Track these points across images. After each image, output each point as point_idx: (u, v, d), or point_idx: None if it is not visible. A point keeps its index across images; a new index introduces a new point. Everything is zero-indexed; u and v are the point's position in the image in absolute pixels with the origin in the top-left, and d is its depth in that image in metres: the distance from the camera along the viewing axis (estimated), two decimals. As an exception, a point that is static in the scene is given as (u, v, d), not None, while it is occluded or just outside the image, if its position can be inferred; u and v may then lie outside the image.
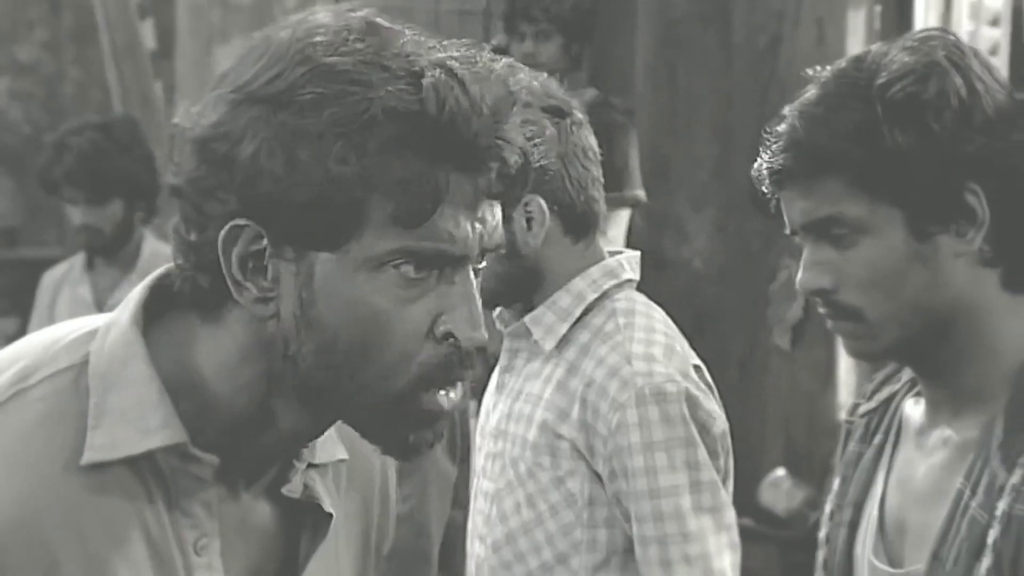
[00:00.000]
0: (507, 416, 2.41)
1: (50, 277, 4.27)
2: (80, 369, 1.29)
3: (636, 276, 2.43)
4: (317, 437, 1.35)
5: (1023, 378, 1.64)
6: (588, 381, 2.30)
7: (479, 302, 1.28)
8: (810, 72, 1.73)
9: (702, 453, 2.27)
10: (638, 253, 2.47)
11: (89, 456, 1.26)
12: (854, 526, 1.76)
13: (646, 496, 2.27)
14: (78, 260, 4.20)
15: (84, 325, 1.33)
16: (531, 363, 2.41)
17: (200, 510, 1.30)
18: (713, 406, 2.31)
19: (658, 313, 2.39)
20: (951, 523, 1.63)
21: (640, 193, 4.79)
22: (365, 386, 1.27)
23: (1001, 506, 1.58)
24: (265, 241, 1.25)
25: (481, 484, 2.45)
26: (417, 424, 1.29)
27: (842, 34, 5.01)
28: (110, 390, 1.28)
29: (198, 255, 1.27)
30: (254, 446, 1.32)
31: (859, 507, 1.76)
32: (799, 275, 1.71)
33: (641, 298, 2.41)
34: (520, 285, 2.39)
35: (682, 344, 2.36)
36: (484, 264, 1.29)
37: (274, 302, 1.26)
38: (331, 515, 1.37)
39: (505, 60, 1.34)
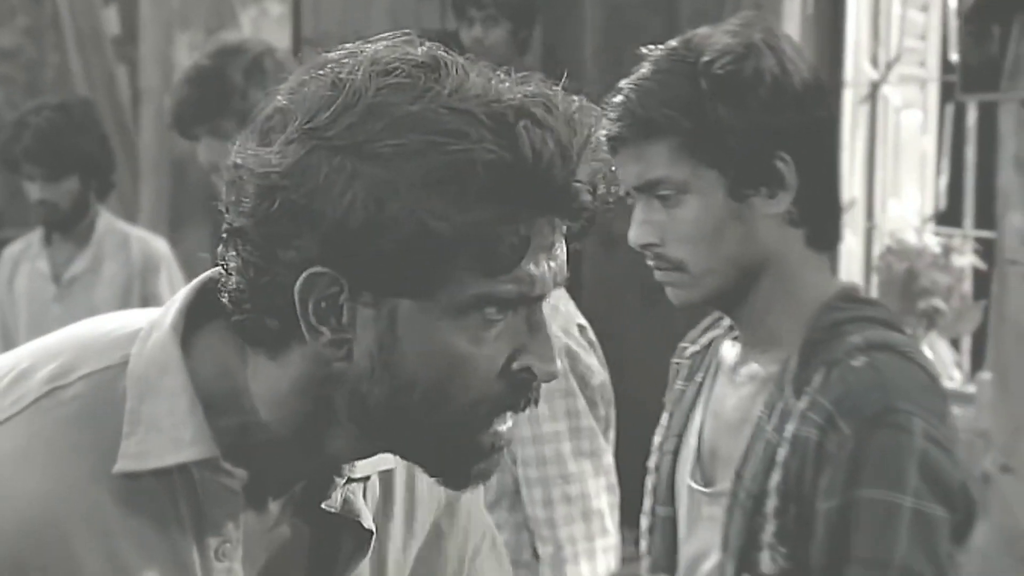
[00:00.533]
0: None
1: (9, 252, 4.50)
2: (119, 371, 1.26)
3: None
4: (361, 459, 1.32)
5: (816, 322, 1.86)
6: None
7: (552, 335, 1.27)
8: (644, 51, 1.95)
9: (581, 403, 2.50)
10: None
11: (122, 465, 1.23)
12: (676, 454, 1.98)
13: (530, 442, 2.49)
14: (36, 236, 4.43)
15: (128, 323, 1.30)
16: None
17: (226, 519, 1.27)
18: (593, 361, 2.53)
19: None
20: (751, 446, 1.86)
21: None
22: (436, 425, 1.24)
23: (790, 428, 1.81)
24: (345, 287, 1.21)
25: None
26: (480, 457, 1.26)
27: (778, 18, 5.23)
28: (146, 397, 1.25)
29: (265, 297, 1.23)
30: (291, 466, 1.29)
31: (680, 437, 1.99)
32: (631, 231, 1.93)
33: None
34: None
35: (567, 305, 2.58)
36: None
37: (347, 344, 1.23)
38: (372, 532, 1.34)
39: (577, 99, 1.28)
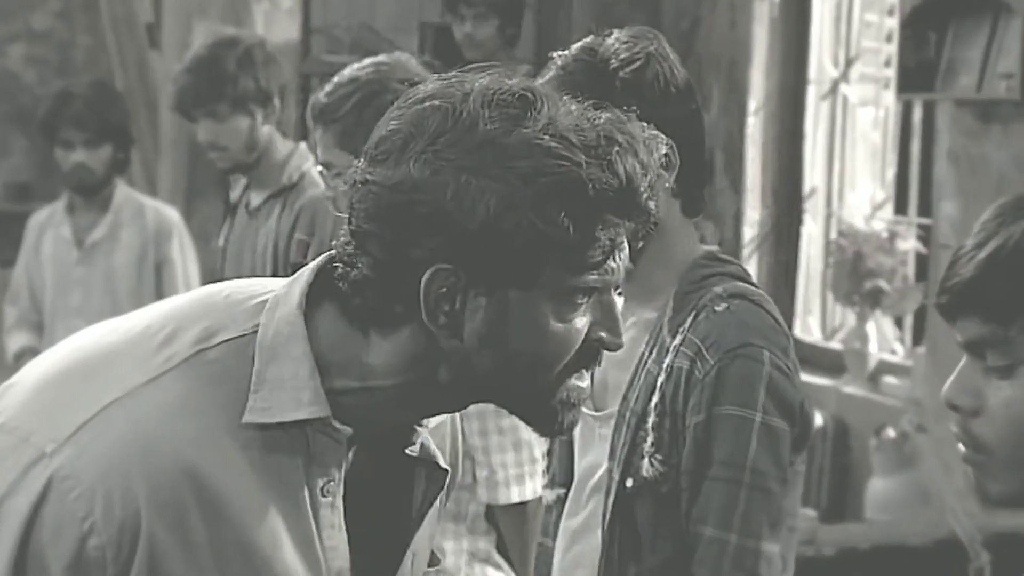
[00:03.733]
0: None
1: (36, 219, 4.88)
2: (250, 338, 1.44)
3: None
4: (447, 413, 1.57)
5: (687, 276, 2.28)
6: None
7: (620, 313, 1.51)
8: (553, 55, 2.37)
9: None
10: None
11: (248, 417, 1.41)
12: None
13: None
14: (60, 205, 4.82)
15: (259, 291, 1.49)
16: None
17: (331, 466, 1.47)
18: None
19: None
20: (635, 376, 2.28)
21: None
22: (533, 387, 1.48)
23: (667, 361, 2.23)
24: (463, 280, 1.42)
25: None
26: (568, 407, 1.51)
27: (749, 19, 5.64)
28: (272, 362, 1.43)
29: (392, 287, 1.42)
30: (390, 422, 1.51)
31: None
32: None
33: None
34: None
35: None
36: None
37: (459, 326, 1.43)
38: (447, 471, 1.56)
39: (643, 125, 1.54)
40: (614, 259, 1.46)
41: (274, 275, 3.68)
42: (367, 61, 3.15)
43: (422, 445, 1.54)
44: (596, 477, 2.33)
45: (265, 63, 3.80)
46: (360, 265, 1.43)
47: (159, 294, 4.63)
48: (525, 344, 1.45)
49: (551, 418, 1.51)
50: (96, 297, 4.65)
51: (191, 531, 1.38)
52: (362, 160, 1.45)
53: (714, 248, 2.37)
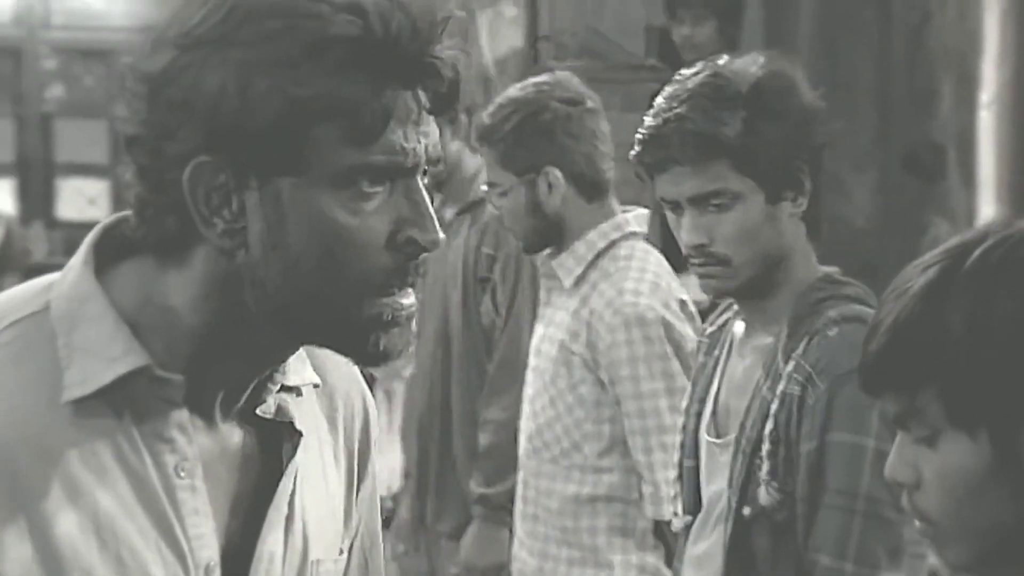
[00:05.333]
0: (542, 338, 3.11)
1: None
2: (43, 315, 1.31)
3: (641, 229, 3.09)
4: (285, 359, 1.36)
5: (802, 300, 2.26)
6: (592, 310, 2.99)
7: (431, 207, 1.31)
8: (678, 77, 2.36)
9: (675, 365, 2.93)
10: (647, 211, 3.14)
11: (68, 394, 1.28)
12: (699, 415, 2.40)
13: (632, 397, 2.94)
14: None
15: (41, 280, 1.36)
16: (559, 297, 3.10)
17: (177, 434, 1.31)
18: (688, 331, 2.95)
19: (653, 258, 3.05)
20: (751, 403, 2.27)
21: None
22: (330, 299, 1.28)
23: (780, 387, 2.21)
24: (229, 174, 1.26)
25: (526, 390, 3.17)
26: (383, 328, 1.30)
27: (979, 10, 5.47)
28: (74, 329, 1.30)
29: (160, 198, 1.28)
30: (224, 369, 1.33)
31: (702, 401, 2.40)
32: (683, 235, 2.32)
33: (642, 246, 3.07)
34: (548, 236, 3.10)
35: (669, 281, 3.02)
36: (427, 179, 1.32)
37: (241, 233, 1.27)
38: (302, 432, 1.38)
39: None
40: (407, 137, 1.28)
41: (463, 289, 3.77)
42: (530, 80, 3.20)
43: (279, 408, 1.38)
44: (721, 504, 2.33)
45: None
46: (133, 181, 1.30)
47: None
48: (309, 243, 1.27)
49: (362, 340, 1.30)
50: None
51: (8, 526, 1.25)
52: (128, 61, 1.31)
53: (832, 270, 2.34)
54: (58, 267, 1.36)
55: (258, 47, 1.24)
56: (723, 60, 2.36)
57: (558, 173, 3.05)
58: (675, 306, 2.98)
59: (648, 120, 2.31)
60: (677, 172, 2.28)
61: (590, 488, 3.01)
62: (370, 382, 4.61)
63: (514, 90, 3.17)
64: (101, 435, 1.28)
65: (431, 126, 1.30)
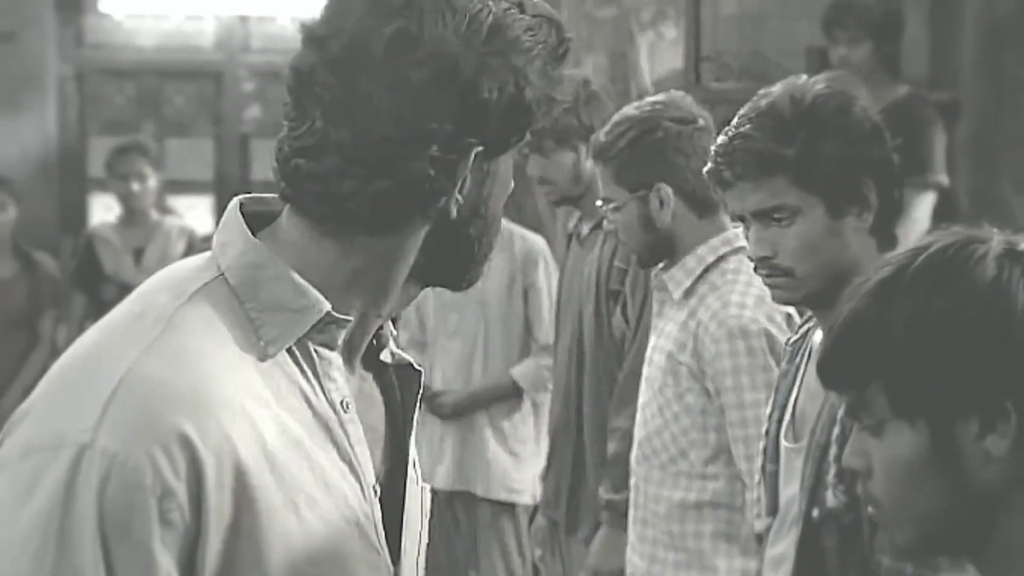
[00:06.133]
0: (653, 348, 3.23)
1: None
2: (218, 283, 1.45)
3: (750, 244, 3.19)
4: (397, 310, 1.55)
5: None
6: (699, 321, 3.09)
7: None
8: (755, 97, 2.47)
9: (777, 376, 3.01)
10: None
11: (271, 349, 1.43)
12: (780, 421, 2.49)
13: (735, 407, 3.04)
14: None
15: (186, 263, 1.52)
16: (669, 309, 3.21)
17: (338, 374, 1.48)
18: None
19: (760, 272, 3.15)
20: (822, 408, 2.35)
21: (942, 178, 5.37)
22: (488, 246, 1.54)
23: None
24: (481, 156, 1.47)
25: (639, 398, 3.28)
26: (483, 263, 1.56)
27: None
28: (257, 292, 1.45)
29: (387, 174, 1.44)
30: (364, 317, 1.51)
31: (783, 407, 2.49)
32: (749, 247, 2.45)
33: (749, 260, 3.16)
34: (659, 250, 3.21)
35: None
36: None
37: (461, 199, 1.47)
38: (420, 371, 1.59)
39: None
40: None
41: (596, 301, 3.89)
42: (645, 100, 3.32)
43: (392, 352, 1.58)
44: (794, 508, 2.42)
45: (587, 100, 4.01)
46: (328, 155, 1.43)
47: (526, 318, 4.91)
48: (499, 203, 1.52)
49: (471, 272, 1.55)
50: (470, 320, 4.96)
51: (249, 459, 1.38)
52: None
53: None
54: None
55: (528, 57, 1.46)
56: (798, 81, 2.46)
57: (669, 190, 3.17)
58: (779, 319, 3.07)
59: (719, 138, 2.42)
60: (741, 188, 2.39)
61: (696, 494, 3.11)
62: (518, 394, 4.78)
63: (629, 109, 3.29)
64: (290, 379, 1.45)
65: None
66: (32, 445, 1.37)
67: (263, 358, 1.43)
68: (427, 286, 1.55)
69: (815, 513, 2.33)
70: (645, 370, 3.26)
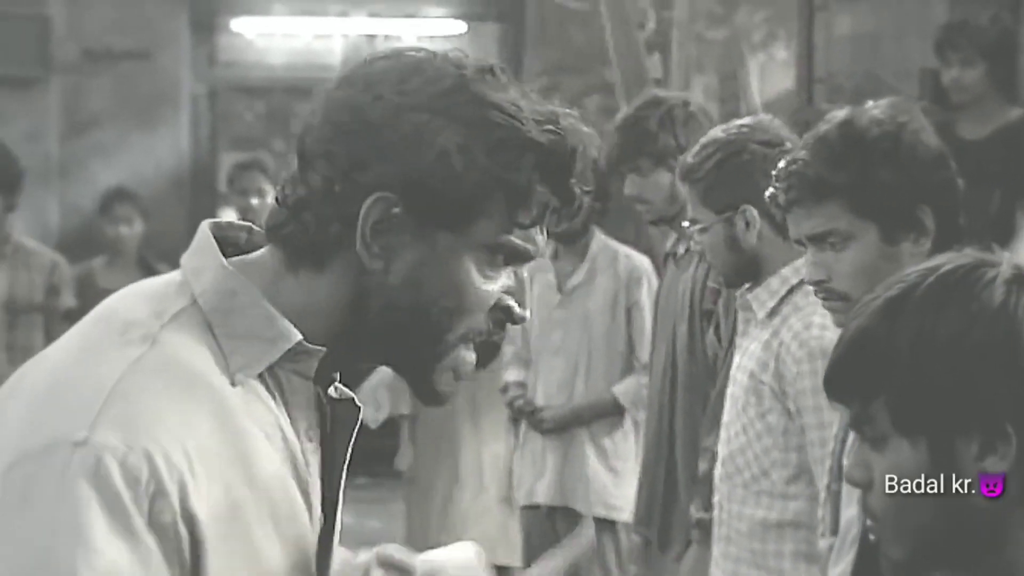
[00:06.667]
0: (737, 367, 3.26)
1: (528, 265, 5.31)
2: (193, 309, 1.47)
3: (836, 266, 3.20)
4: (368, 365, 1.62)
5: None
6: (781, 342, 3.12)
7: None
8: (821, 122, 2.50)
9: (856, 398, 3.03)
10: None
11: (239, 378, 1.45)
12: (844, 440, 2.51)
13: (816, 427, 3.05)
14: (548, 251, 5.25)
15: (154, 282, 1.54)
16: (754, 329, 3.24)
17: (305, 404, 1.51)
18: None
19: (843, 293, 3.16)
20: None
21: (1058, 200, 5.32)
22: (431, 338, 1.50)
23: None
24: (404, 213, 1.46)
25: (724, 417, 3.31)
26: (451, 378, 1.53)
27: None
28: (228, 320, 1.47)
29: (329, 210, 1.47)
30: (332, 363, 1.53)
31: (847, 428, 2.51)
32: (806, 270, 2.48)
33: (832, 281, 3.18)
34: (745, 271, 3.25)
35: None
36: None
37: (389, 260, 1.47)
38: (359, 407, 1.59)
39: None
40: (539, 233, 1.51)
41: (690, 321, 3.93)
42: (733, 122, 3.35)
43: (336, 387, 1.58)
44: (854, 528, 2.44)
45: (685, 121, 4.05)
46: (300, 187, 1.48)
47: (629, 337, 4.95)
48: (443, 290, 1.48)
49: (432, 383, 1.52)
50: (574, 338, 5.02)
51: (232, 466, 1.42)
52: (333, 85, 1.49)
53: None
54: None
55: (472, 129, 1.46)
56: (864, 107, 2.48)
57: (755, 211, 3.20)
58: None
59: (779, 164, 2.46)
60: (797, 212, 2.43)
61: (777, 513, 3.13)
62: (619, 412, 4.82)
63: (717, 131, 3.33)
64: (262, 407, 1.48)
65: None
66: (19, 456, 1.37)
67: (234, 384, 1.45)
68: (388, 364, 1.56)
69: (871, 535, 2.36)
70: (729, 389, 3.28)
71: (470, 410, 5.64)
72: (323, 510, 1.55)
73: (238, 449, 1.43)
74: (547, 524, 4.97)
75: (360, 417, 1.60)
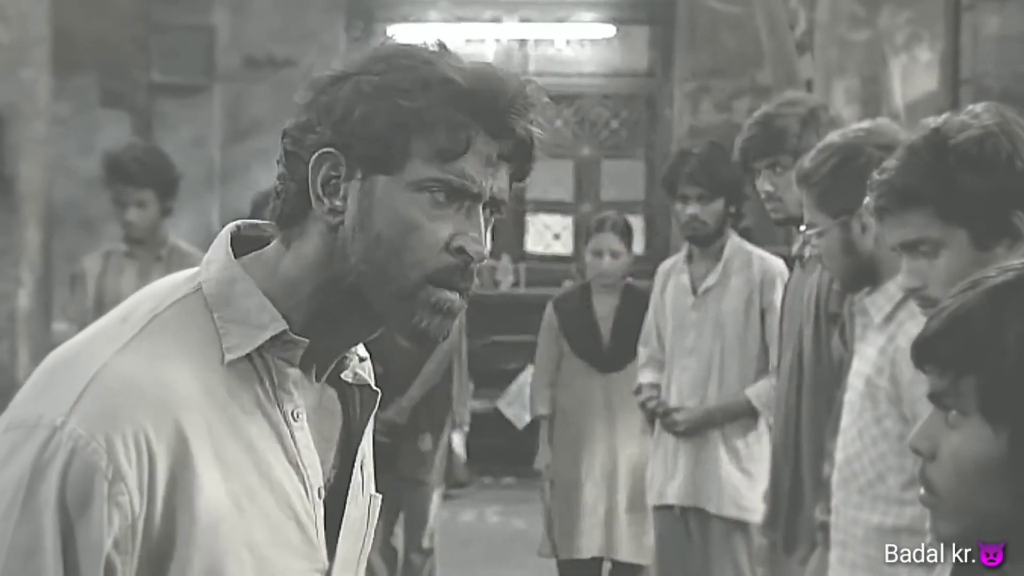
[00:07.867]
0: (854, 372, 3.25)
1: (663, 267, 5.30)
2: (196, 296, 1.63)
3: (954, 270, 3.19)
4: (364, 339, 1.70)
5: None
6: (897, 347, 3.11)
7: (485, 232, 1.63)
8: (912, 131, 2.50)
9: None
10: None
11: (229, 356, 1.60)
12: None
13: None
14: (682, 254, 5.27)
15: (175, 276, 1.69)
16: (871, 333, 3.24)
17: (293, 388, 1.65)
18: None
19: (960, 298, 3.15)
20: None
21: None
22: (394, 277, 1.60)
23: None
24: (343, 167, 1.61)
25: (841, 422, 3.31)
26: (430, 312, 1.62)
27: None
28: (227, 304, 1.62)
29: (294, 176, 1.64)
30: (324, 342, 1.66)
31: None
32: (901, 278, 2.48)
33: (949, 286, 3.17)
34: (862, 275, 3.24)
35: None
36: (494, 218, 1.65)
37: (341, 213, 1.62)
38: (378, 392, 1.74)
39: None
40: (478, 171, 1.60)
41: (815, 324, 3.92)
42: (851, 127, 3.35)
43: (355, 373, 1.74)
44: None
45: (826, 124, 4.03)
46: (279, 167, 1.66)
47: (763, 339, 4.95)
48: (387, 228, 1.60)
49: (409, 316, 1.62)
50: (707, 340, 5.03)
51: (198, 455, 1.55)
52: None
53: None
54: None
55: (385, 76, 1.61)
56: (957, 113, 2.48)
57: (870, 216, 3.19)
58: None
59: (874, 173, 2.48)
60: (890, 221, 2.44)
61: (893, 519, 3.12)
62: (752, 414, 4.84)
63: (834, 135, 3.33)
64: (247, 386, 1.62)
65: (504, 175, 1.64)
66: (14, 422, 1.57)
67: (223, 363, 1.60)
68: (376, 325, 1.67)
69: (923, 504, 2.35)
70: (847, 393, 3.28)
71: (605, 412, 5.68)
72: (336, 482, 1.69)
73: (210, 427, 1.57)
74: (679, 524, 4.99)
75: (378, 400, 1.74)
